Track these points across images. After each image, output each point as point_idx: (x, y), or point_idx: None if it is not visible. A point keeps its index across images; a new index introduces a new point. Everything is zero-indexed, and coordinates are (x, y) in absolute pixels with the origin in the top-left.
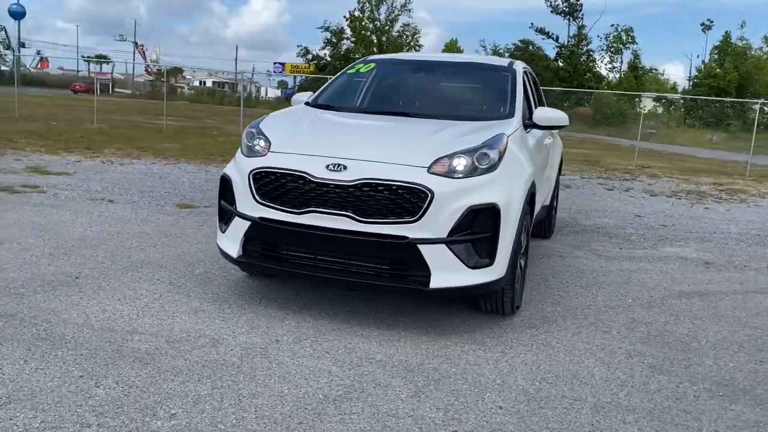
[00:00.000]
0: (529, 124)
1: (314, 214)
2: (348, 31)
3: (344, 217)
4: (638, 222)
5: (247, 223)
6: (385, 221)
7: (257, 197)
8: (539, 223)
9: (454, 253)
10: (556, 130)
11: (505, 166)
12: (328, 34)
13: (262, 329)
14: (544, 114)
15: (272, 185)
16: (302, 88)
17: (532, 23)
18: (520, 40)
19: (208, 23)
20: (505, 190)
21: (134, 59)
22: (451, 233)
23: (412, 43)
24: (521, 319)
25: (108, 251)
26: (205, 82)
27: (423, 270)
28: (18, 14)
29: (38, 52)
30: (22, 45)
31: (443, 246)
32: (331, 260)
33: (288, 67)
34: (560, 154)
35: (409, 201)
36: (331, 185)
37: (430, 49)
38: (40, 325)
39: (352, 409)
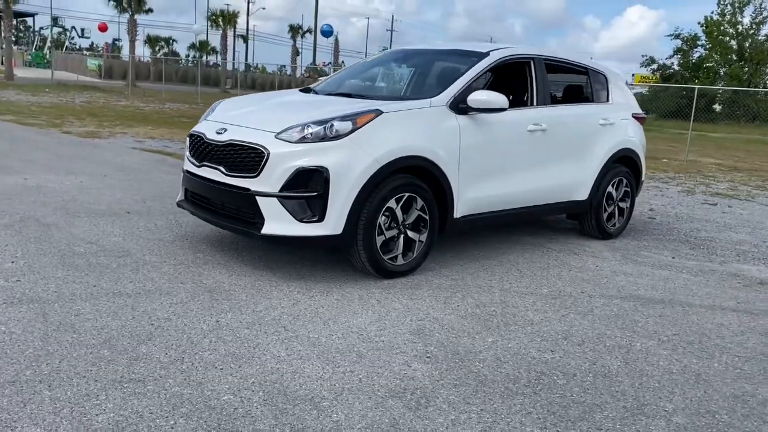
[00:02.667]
0: (463, 107)
1: (205, 167)
2: (703, 37)
3: (218, 171)
4: None
5: (182, 174)
6: (239, 175)
7: (188, 153)
8: (583, 220)
9: (285, 207)
10: (627, 120)
11: (359, 137)
12: (678, 42)
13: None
14: (477, 97)
15: (191, 144)
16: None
17: None
18: None
19: (578, 38)
20: (343, 158)
21: None
22: (282, 189)
23: None
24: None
25: None
26: None
27: (260, 218)
28: (327, 33)
29: None
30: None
31: (275, 199)
32: (214, 205)
33: (637, 78)
34: (615, 144)
35: (254, 159)
36: (213, 144)
37: None
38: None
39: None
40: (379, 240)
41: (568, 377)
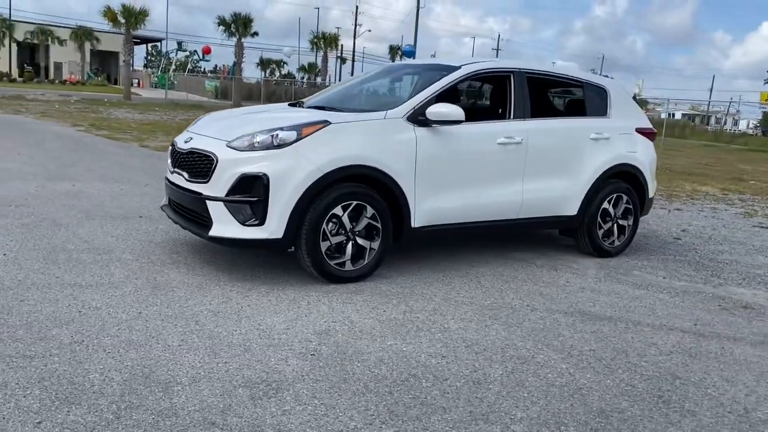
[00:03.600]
0: (422, 119)
1: (175, 174)
2: None
3: (182, 177)
4: None
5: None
6: (196, 181)
7: (168, 161)
8: (577, 237)
9: (230, 211)
10: (628, 135)
11: (303, 146)
12: None
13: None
14: (435, 109)
15: (170, 152)
16: None
17: None
18: None
19: (705, 54)
20: (284, 165)
21: None
22: (228, 194)
23: None
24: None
25: None
26: (673, 114)
27: (210, 221)
28: (409, 53)
29: None
30: None
31: (222, 203)
32: (182, 208)
33: (763, 95)
34: (610, 159)
35: (207, 166)
36: (179, 152)
37: None
38: None
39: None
40: (324, 245)
41: (437, 381)
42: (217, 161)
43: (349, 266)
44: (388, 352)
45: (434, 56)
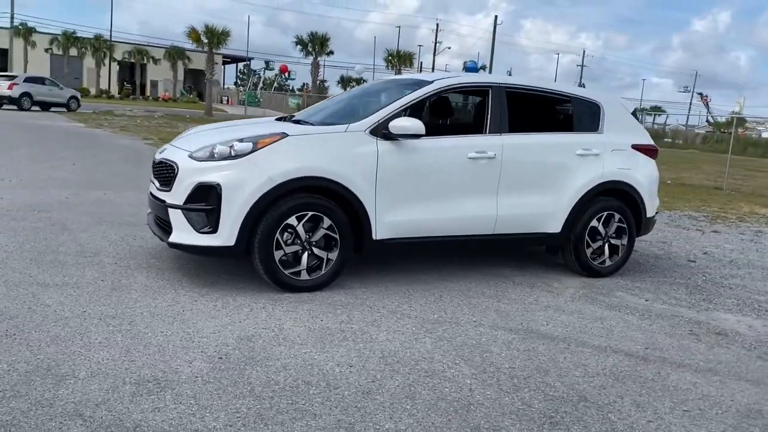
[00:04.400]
0: (385, 132)
1: (151, 183)
2: None
3: (154, 186)
4: None
5: None
6: (162, 189)
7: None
8: (563, 255)
9: (187, 218)
10: (621, 151)
11: (257, 157)
12: None
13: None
14: (397, 123)
15: None
16: None
17: None
18: None
19: None
20: (238, 175)
21: (689, 110)
22: (186, 202)
23: None
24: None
25: None
26: None
27: (170, 228)
28: (471, 69)
29: None
30: None
31: (180, 211)
32: (155, 217)
33: None
34: (598, 176)
35: (170, 175)
36: (154, 162)
37: None
38: None
39: None
40: (278, 254)
41: (326, 389)
42: (177, 170)
43: (304, 276)
44: (297, 360)
45: (510, 73)
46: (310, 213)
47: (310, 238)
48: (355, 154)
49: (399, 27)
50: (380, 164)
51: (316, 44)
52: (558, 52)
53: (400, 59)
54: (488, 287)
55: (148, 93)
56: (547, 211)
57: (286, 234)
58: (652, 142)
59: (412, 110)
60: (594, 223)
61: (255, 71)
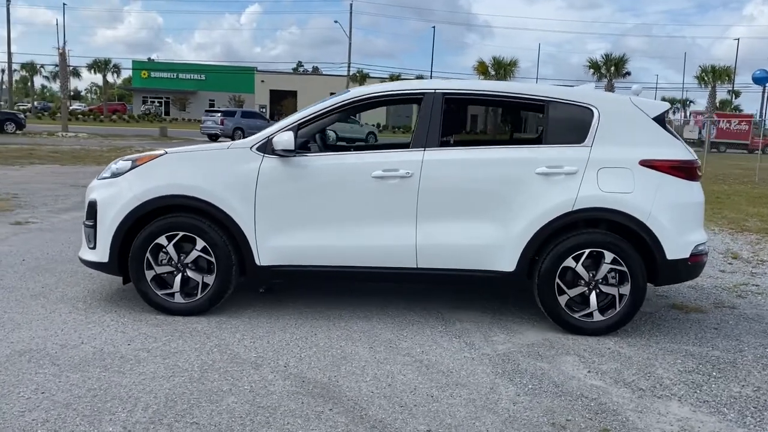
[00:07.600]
0: (272, 149)
1: None
2: None
3: None
4: None
5: None
6: None
7: None
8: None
9: (84, 234)
10: (616, 168)
11: (132, 175)
12: None
13: None
14: (276, 139)
15: None
16: None
17: None
18: None
19: None
20: (111, 193)
21: None
22: (85, 218)
23: None
24: None
25: None
26: None
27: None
28: (761, 80)
29: None
30: None
31: (83, 227)
32: None
33: None
34: (569, 200)
35: None
36: None
37: None
38: None
39: None
40: (149, 274)
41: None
42: (86, 188)
43: (179, 299)
44: (80, 371)
45: None
46: (181, 233)
47: (184, 259)
48: (234, 173)
49: (737, 39)
50: (260, 183)
51: (609, 66)
52: None
53: (714, 75)
54: (387, 329)
55: None
56: (490, 243)
57: (161, 254)
58: (683, 157)
59: (324, 123)
60: (570, 262)
61: None
